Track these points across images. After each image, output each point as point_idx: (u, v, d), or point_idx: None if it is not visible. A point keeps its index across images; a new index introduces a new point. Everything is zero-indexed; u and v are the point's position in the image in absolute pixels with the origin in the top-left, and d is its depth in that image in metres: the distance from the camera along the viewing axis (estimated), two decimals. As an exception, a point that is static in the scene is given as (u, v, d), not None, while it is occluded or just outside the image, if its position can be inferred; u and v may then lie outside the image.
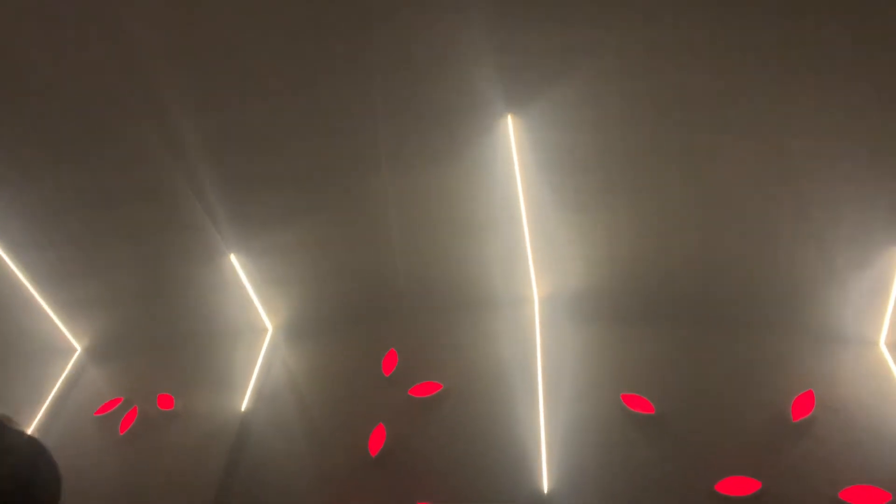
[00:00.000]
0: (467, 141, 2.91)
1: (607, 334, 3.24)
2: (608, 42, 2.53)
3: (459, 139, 2.91)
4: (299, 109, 2.86)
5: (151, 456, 3.16)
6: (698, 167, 2.82)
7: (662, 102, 2.65)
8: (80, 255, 3.41)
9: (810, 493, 2.49)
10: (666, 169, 2.85)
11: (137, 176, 3.09)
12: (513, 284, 3.42)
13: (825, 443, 2.65)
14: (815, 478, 2.54)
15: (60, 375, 3.64)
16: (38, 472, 1.85)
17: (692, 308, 3.19)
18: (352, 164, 3.05)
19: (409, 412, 3.09)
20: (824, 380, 2.86)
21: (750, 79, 2.50)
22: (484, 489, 2.72)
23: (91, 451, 3.24)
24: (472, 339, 3.36)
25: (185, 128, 2.91)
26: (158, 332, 3.70)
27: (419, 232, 3.28)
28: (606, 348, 3.18)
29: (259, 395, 3.35)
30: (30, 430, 3.35)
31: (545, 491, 2.67)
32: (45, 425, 3.42)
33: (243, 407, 3.26)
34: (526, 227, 3.15)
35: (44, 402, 3.50)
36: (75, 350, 3.80)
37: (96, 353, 3.79)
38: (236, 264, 3.42)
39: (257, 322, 3.68)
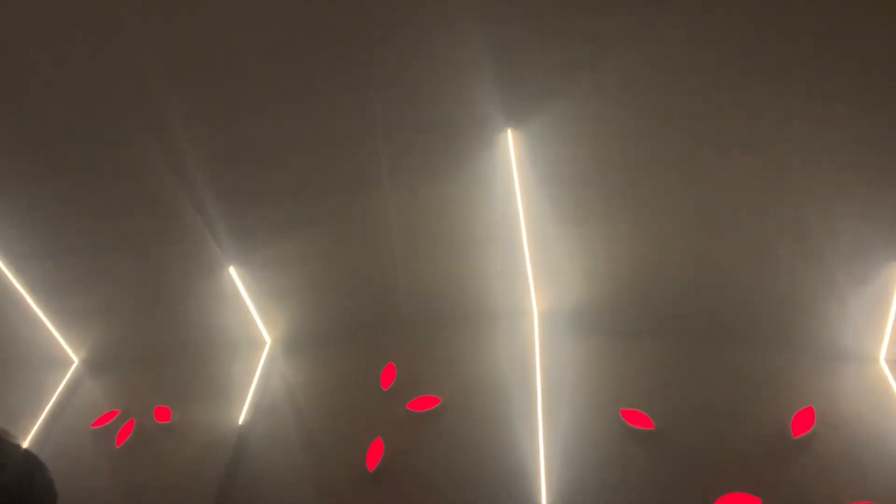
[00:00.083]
0: (467, 155, 2.92)
1: (607, 349, 3.23)
2: (608, 57, 2.53)
3: (459, 153, 2.92)
4: (299, 123, 2.87)
5: (148, 469, 3.14)
6: (698, 182, 2.82)
7: (662, 117, 2.66)
8: (79, 265, 3.41)
9: (811, 510, 2.48)
10: (665, 184, 2.86)
11: (137, 187, 3.10)
12: (512, 298, 3.42)
13: (826, 459, 2.63)
14: (815, 494, 2.52)
15: (57, 387, 3.63)
16: (34, 486, 1.84)
17: (692, 323, 3.19)
18: (352, 178, 3.05)
19: (407, 426, 3.08)
20: (825, 396, 2.85)
21: (749, 94, 2.51)
22: (482, 504, 2.70)
23: (87, 464, 3.22)
24: (471, 353, 3.35)
25: (185, 140, 2.91)
26: (156, 344, 3.69)
27: (419, 245, 3.28)
28: (606, 363, 3.17)
29: (257, 408, 3.34)
30: (26, 443, 3.34)
31: (544, 507, 2.66)
32: (41, 437, 3.40)
33: (241, 420, 3.24)
34: (525, 241, 3.15)
35: (40, 413, 3.48)
36: (72, 361, 3.78)
37: (93, 365, 3.78)
38: (235, 277, 3.42)
39: (256, 335, 3.67)
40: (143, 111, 2.84)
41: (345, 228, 3.25)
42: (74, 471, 3.16)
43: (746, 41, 2.39)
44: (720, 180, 2.78)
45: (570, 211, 3.03)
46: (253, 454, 3.12)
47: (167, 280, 3.46)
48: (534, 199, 3.00)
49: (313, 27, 2.59)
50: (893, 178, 2.58)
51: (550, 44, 2.54)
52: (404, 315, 3.52)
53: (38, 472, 1.98)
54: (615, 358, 3.18)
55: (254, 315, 3.58)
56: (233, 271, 3.40)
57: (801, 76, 2.43)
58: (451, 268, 3.33)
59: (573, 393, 3.05)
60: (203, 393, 3.46)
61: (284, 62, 2.69)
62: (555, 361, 3.19)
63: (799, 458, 2.65)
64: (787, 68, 2.42)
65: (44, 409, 3.50)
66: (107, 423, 3.38)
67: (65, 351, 3.75)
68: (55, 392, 3.60)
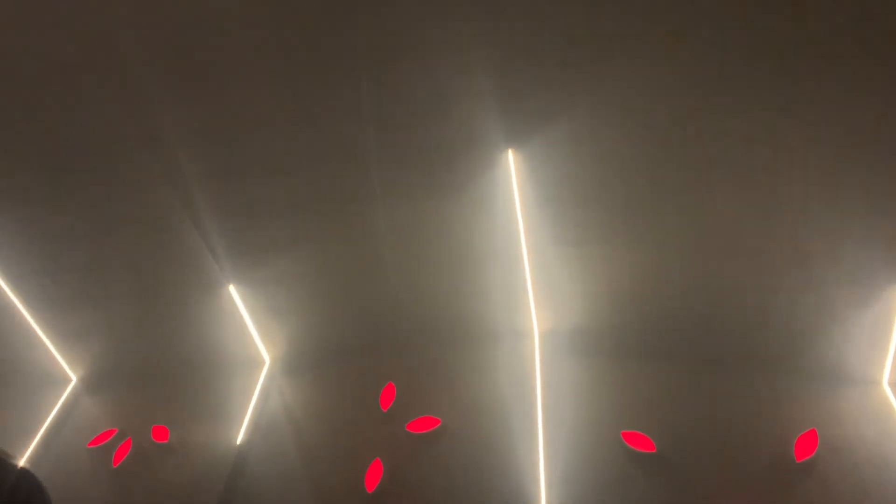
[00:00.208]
0: (468, 175, 2.92)
1: (608, 370, 3.21)
2: (608, 80, 2.55)
3: (460, 173, 2.92)
4: (300, 142, 2.88)
5: (145, 489, 3.12)
6: (698, 205, 2.82)
7: (661, 140, 2.66)
8: (78, 283, 3.40)
9: (814, 536, 2.46)
10: (665, 206, 2.86)
11: (137, 205, 3.10)
12: (513, 319, 3.41)
13: (828, 483, 2.61)
14: (818, 520, 2.50)
15: (55, 405, 3.61)
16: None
17: (693, 345, 3.17)
18: (352, 197, 3.05)
19: (406, 447, 3.05)
20: (827, 420, 2.83)
21: (748, 119, 2.52)
22: (482, 527, 2.68)
23: (83, 483, 3.19)
24: (471, 374, 3.34)
25: (184, 158, 2.92)
26: (154, 362, 3.67)
27: (419, 265, 3.27)
28: (607, 384, 3.15)
29: (255, 427, 3.32)
30: (22, 461, 3.31)
31: (544, 530, 2.63)
32: (38, 456, 3.37)
33: (239, 440, 3.22)
34: (526, 262, 3.14)
35: (37, 432, 3.46)
36: (70, 380, 3.76)
37: (92, 384, 3.76)
38: (235, 295, 3.41)
39: (255, 353, 3.66)
40: (142, 130, 2.85)
41: (345, 247, 3.25)
42: (71, 490, 3.13)
43: (744, 67, 2.40)
44: (720, 204, 2.79)
45: (570, 232, 3.03)
46: (251, 474, 3.10)
47: (166, 298, 3.45)
48: (534, 219, 3.00)
49: (317, 49, 2.60)
50: (893, 202, 2.58)
51: (551, 67, 2.55)
52: (404, 335, 3.51)
53: (37, 493, 1.97)
54: (616, 379, 3.17)
55: (253, 334, 3.57)
56: (233, 289, 3.40)
57: (799, 101, 2.44)
58: (452, 288, 3.33)
59: (574, 414, 3.03)
60: (201, 412, 3.44)
61: (286, 82, 2.71)
62: (555, 382, 3.18)
63: (802, 482, 2.63)
64: (785, 93, 2.43)
65: (41, 428, 3.48)
66: (104, 443, 3.36)
67: (63, 369, 3.74)
68: (52, 410, 3.58)
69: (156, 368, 3.68)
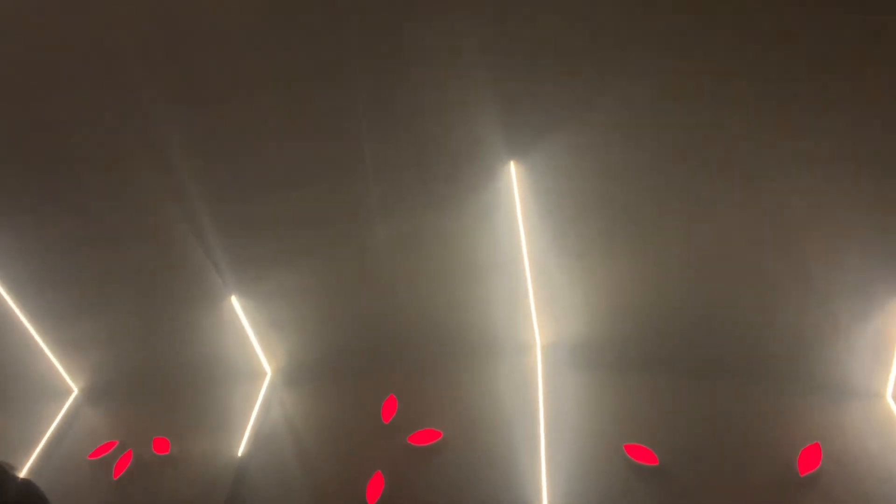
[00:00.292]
0: (470, 187, 2.93)
1: (610, 383, 3.20)
2: (610, 93, 2.56)
3: (462, 186, 2.93)
4: (301, 157, 2.89)
5: (145, 501, 3.11)
6: (700, 217, 2.82)
7: (664, 152, 2.67)
8: (81, 294, 3.41)
9: (818, 550, 2.44)
10: (667, 218, 2.86)
11: (139, 217, 3.11)
12: (515, 331, 3.40)
13: (832, 496, 2.59)
14: (822, 534, 2.48)
15: (56, 416, 3.60)
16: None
17: (695, 358, 3.16)
18: (354, 210, 3.06)
19: (408, 460, 3.04)
20: (831, 433, 2.82)
21: (752, 132, 2.53)
22: (484, 541, 2.67)
23: (84, 495, 3.18)
24: (473, 387, 3.32)
25: (187, 172, 2.93)
26: (156, 374, 3.67)
27: (421, 278, 3.27)
28: (609, 397, 3.14)
29: (256, 439, 3.31)
30: (23, 473, 3.31)
31: (546, 544, 2.62)
32: (39, 467, 3.37)
33: (240, 452, 3.21)
34: (528, 274, 3.14)
35: (38, 442, 3.45)
36: (72, 391, 3.76)
37: (93, 395, 3.76)
38: (237, 306, 3.41)
39: (256, 365, 3.65)
40: (146, 142, 2.87)
41: (347, 260, 3.25)
42: (71, 503, 3.12)
43: (749, 79, 2.41)
44: (723, 215, 2.79)
45: (572, 243, 3.03)
46: (252, 486, 3.08)
47: (168, 310, 3.46)
48: (536, 231, 3.01)
49: (318, 65, 2.62)
50: (894, 215, 2.58)
51: (552, 79, 2.56)
52: (406, 347, 3.50)
53: (40, 504, 1.97)
54: (619, 392, 3.16)
55: (254, 345, 3.56)
56: (234, 301, 3.40)
57: (801, 114, 2.44)
58: (454, 300, 3.32)
59: (576, 427, 3.02)
60: (202, 424, 3.43)
61: (289, 95, 2.72)
62: (557, 395, 3.16)
63: (806, 496, 2.61)
64: (787, 107, 2.44)
65: (42, 439, 3.47)
66: (104, 454, 3.35)
67: (65, 380, 3.74)
68: (54, 422, 3.57)
69: (157, 380, 3.67)
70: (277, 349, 3.62)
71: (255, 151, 2.88)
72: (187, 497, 3.07)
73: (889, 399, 2.93)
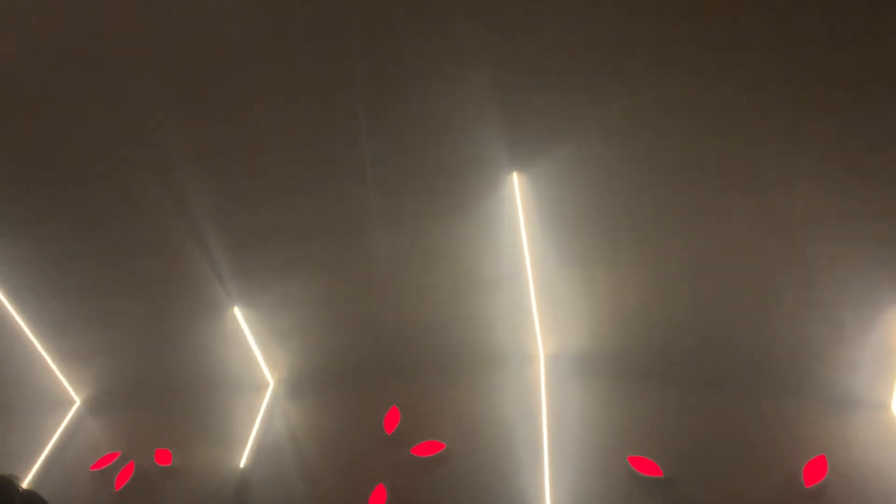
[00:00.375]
0: (473, 198, 2.93)
1: (614, 394, 3.19)
2: (612, 103, 2.56)
3: (465, 197, 2.93)
4: (305, 167, 2.89)
5: (147, 513, 3.10)
6: (702, 227, 2.82)
7: (667, 163, 2.67)
8: (84, 305, 3.41)
9: (824, 563, 2.42)
10: (670, 228, 2.86)
11: (142, 229, 3.11)
12: (518, 342, 3.40)
13: (838, 509, 2.58)
14: (828, 547, 2.46)
15: (58, 427, 3.60)
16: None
17: (700, 369, 3.15)
18: (357, 221, 3.06)
19: (410, 472, 3.03)
20: (836, 444, 2.80)
21: (753, 141, 2.53)
22: (487, 554, 2.65)
23: (86, 507, 3.18)
24: (476, 398, 3.31)
25: (191, 183, 2.94)
26: (159, 385, 3.67)
27: (424, 288, 3.27)
28: (613, 408, 3.13)
29: (259, 451, 3.30)
30: (24, 484, 3.29)
31: (550, 557, 2.60)
32: (40, 478, 3.36)
33: (242, 463, 3.20)
34: (531, 285, 3.14)
35: (40, 453, 3.45)
36: (74, 402, 3.76)
37: (95, 406, 3.75)
38: (240, 317, 3.41)
39: (259, 376, 3.65)
40: (149, 154, 2.87)
41: (350, 271, 3.25)
42: (72, 514, 3.12)
43: (750, 89, 2.41)
44: (724, 226, 2.78)
45: (575, 254, 3.03)
46: (254, 498, 3.07)
47: (171, 320, 3.46)
48: (539, 242, 3.00)
49: (322, 76, 2.63)
50: (899, 224, 2.58)
51: (555, 90, 2.57)
52: (409, 358, 3.49)
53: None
54: (622, 403, 3.14)
55: (257, 356, 3.56)
56: (237, 312, 3.40)
57: (807, 123, 2.44)
58: (456, 311, 3.32)
59: (580, 438, 3.01)
60: (205, 435, 3.42)
61: (293, 108, 2.73)
62: (561, 406, 3.15)
63: (811, 509, 2.60)
64: (792, 117, 2.44)
65: (44, 450, 3.47)
66: (107, 466, 3.34)
67: (67, 391, 3.73)
68: (56, 432, 3.57)
69: (160, 390, 3.67)
70: (280, 360, 3.61)
71: (259, 163, 2.89)
72: (189, 509, 3.06)
73: (894, 410, 2.91)
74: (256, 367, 3.60)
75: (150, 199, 3.01)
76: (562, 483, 2.82)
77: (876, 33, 2.22)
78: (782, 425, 2.92)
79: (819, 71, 2.32)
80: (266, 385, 3.65)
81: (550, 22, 2.42)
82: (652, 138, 2.62)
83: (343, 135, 2.78)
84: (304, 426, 3.41)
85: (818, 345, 2.95)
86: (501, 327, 3.36)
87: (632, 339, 3.23)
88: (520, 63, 2.52)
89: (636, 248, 2.96)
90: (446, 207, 2.97)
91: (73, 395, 3.76)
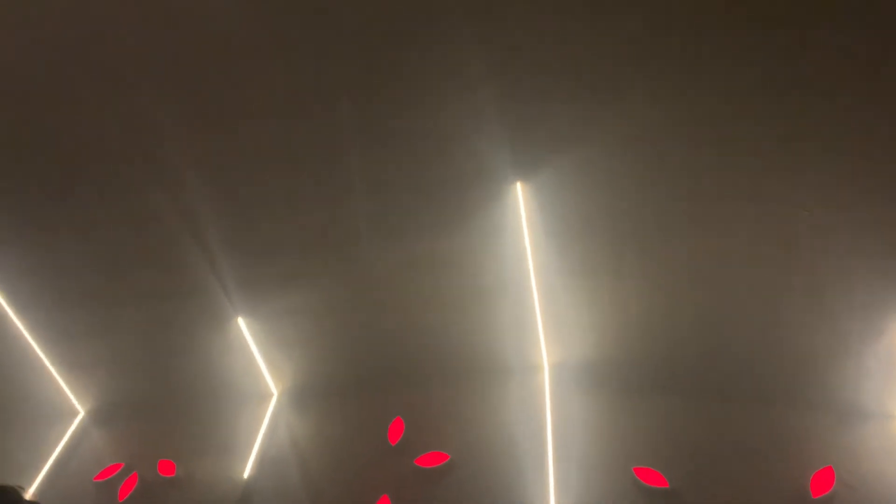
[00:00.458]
0: (477, 208, 2.92)
1: (619, 404, 3.17)
2: (615, 113, 2.56)
3: (469, 207, 2.93)
4: (308, 178, 2.89)
5: (150, 525, 3.09)
6: (707, 237, 2.81)
7: (670, 173, 2.66)
8: (88, 316, 3.41)
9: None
10: (675, 238, 2.85)
11: (148, 239, 3.12)
12: (522, 352, 3.38)
13: (846, 521, 2.56)
14: (836, 559, 2.44)
15: (62, 438, 3.60)
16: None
17: (705, 379, 3.13)
18: (360, 232, 3.05)
19: (414, 483, 3.01)
20: (843, 455, 2.78)
21: (762, 149, 2.52)
22: (491, 566, 2.63)
23: (89, 518, 3.18)
24: (480, 409, 3.30)
25: (195, 193, 2.94)
26: (163, 395, 3.67)
27: (428, 299, 3.26)
28: (618, 419, 3.11)
29: (262, 462, 3.29)
30: (28, 494, 3.29)
31: (555, 569, 2.58)
32: (44, 489, 3.36)
33: (246, 474, 3.19)
34: (535, 295, 3.13)
35: (44, 465, 3.44)
36: (78, 412, 3.76)
37: (99, 417, 3.75)
38: (244, 327, 3.40)
39: (263, 387, 3.64)
40: (153, 166, 2.88)
41: (354, 281, 3.24)
42: (76, 525, 3.12)
43: (757, 98, 2.41)
44: (731, 236, 2.77)
45: (579, 264, 3.02)
46: (257, 510, 3.07)
47: (176, 330, 3.46)
48: (543, 251, 3.00)
49: (325, 86, 2.63)
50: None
51: (558, 100, 2.57)
52: (413, 369, 3.48)
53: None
54: (628, 413, 3.13)
55: (261, 366, 3.55)
56: (241, 322, 3.39)
57: (811, 134, 2.44)
58: (461, 321, 3.31)
59: (585, 449, 2.99)
60: (208, 446, 3.42)
61: (296, 119, 2.73)
62: (565, 417, 3.14)
63: (819, 520, 2.58)
64: (797, 126, 2.43)
65: (48, 460, 3.47)
66: (110, 476, 3.34)
67: (71, 402, 3.73)
68: (60, 443, 3.57)
69: (163, 401, 3.66)
70: (284, 370, 3.61)
71: (263, 174, 2.89)
72: (193, 520, 3.05)
73: (902, 421, 2.90)
74: (260, 377, 3.60)
75: (155, 211, 3.01)
76: (567, 494, 2.81)
77: (883, 41, 2.22)
78: (789, 436, 2.90)
79: (826, 81, 2.32)
80: (270, 395, 3.65)
81: (552, 31, 2.42)
82: (657, 148, 2.61)
83: (346, 145, 2.78)
84: (307, 437, 3.40)
85: (824, 355, 2.93)
86: (505, 337, 3.35)
87: (637, 348, 3.22)
88: (523, 72, 2.52)
89: (640, 258, 2.95)
90: (450, 218, 2.97)
91: (76, 406, 3.76)
